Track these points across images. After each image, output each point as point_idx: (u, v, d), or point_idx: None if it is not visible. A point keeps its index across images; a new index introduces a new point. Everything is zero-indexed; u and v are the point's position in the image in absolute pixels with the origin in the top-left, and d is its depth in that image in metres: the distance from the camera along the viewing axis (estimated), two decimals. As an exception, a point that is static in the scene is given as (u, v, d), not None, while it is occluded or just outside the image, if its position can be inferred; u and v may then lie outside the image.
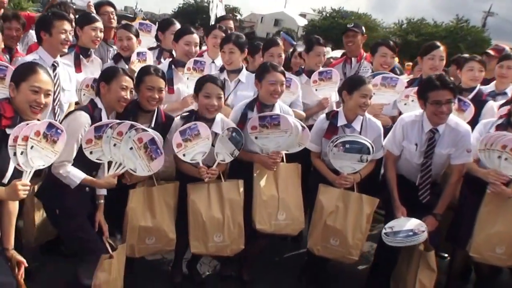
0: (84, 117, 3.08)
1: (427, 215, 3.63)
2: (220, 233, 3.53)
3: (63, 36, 3.58)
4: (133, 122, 3.16)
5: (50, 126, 2.66)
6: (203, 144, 3.43)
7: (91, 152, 3.06)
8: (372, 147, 3.66)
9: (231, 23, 5.49)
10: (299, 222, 3.79)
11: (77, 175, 3.04)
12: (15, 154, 2.49)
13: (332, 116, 3.85)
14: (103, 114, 3.20)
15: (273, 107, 3.78)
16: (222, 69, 4.26)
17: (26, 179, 2.55)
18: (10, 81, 2.74)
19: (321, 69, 4.52)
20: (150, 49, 4.73)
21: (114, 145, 3.10)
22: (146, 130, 3.19)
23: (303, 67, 4.78)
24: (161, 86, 3.39)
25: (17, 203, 2.80)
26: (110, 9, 5.09)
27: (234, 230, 3.57)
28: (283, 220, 3.71)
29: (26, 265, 2.68)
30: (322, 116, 3.95)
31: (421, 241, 3.48)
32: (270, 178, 3.72)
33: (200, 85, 3.51)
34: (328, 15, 43.49)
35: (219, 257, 4.03)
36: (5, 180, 2.62)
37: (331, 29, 36.35)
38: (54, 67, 3.61)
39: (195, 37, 4.19)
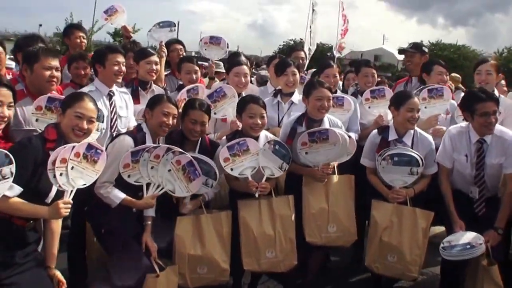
0: (127, 141, 3.31)
1: (487, 229, 3.50)
2: (272, 249, 3.56)
3: (116, 67, 3.79)
4: (170, 146, 3.34)
5: (90, 147, 2.83)
6: (252, 159, 3.54)
7: (129, 176, 3.24)
8: (421, 159, 3.64)
9: (302, 54, 5.75)
10: (351, 234, 3.80)
11: (117, 195, 3.22)
12: (54, 176, 2.63)
13: (383, 131, 3.88)
14: (147, 138, 3.40)
15: (321, 122, 3.86)
16: (276, 94, 4.45)
17: (67, 197, 2.70)
18: (59, 107, 3.02)
19: (373, 87, 4.60)
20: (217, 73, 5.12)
21: (152, 167, 3.26)
22: (184, 153, 3.35)
23: (358, 88, 4.87)
24: (204, 120, 3.55)
25: (60, 222, 2.94)
26: (179, 46, 5.57)
27: (286, 246, 3.59)
28: (334, 232, 3.73)
29: (65, 286, 2.85)
30: (374, 131, 4.00)
31: (478, 254, 3.35)
32: (320, 190, 3.77)
33: (243, 106, 3.68)
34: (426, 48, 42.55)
35: (275, 275, 3.98)
36: (48, 200, 2.77)
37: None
38: (110, 96, 3.85)
39: (244, 68, 4.45)
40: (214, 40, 5.21)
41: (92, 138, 3.25)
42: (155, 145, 3.32)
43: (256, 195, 3.54)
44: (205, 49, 5.17)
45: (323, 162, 3.71)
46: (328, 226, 3.73)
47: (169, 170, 3.31)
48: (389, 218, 3.69)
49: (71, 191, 2.72)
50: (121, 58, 3.86)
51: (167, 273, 3.22)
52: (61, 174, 2.66)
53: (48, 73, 3.35)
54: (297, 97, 4.39)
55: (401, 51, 5.62)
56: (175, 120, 3.50)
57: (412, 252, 3.62)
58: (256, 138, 3.68)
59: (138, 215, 3.38)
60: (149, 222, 3.39)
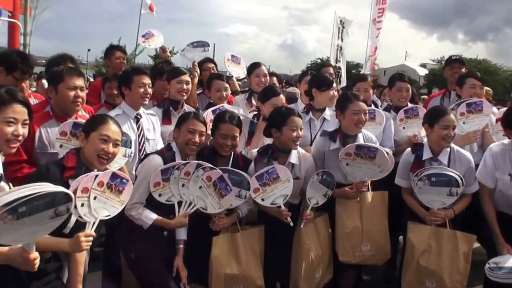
0: (156, 160, 3.21)
1: None
2: (320, 269, 3.58)
3: (142, 89, 3.72)
4: (200, 162, 3.23)
5: (114, 176, 2.69)
6: (283, 187, 3.39)
7: (160, 195, 3.15)
8: (461, 179, 3.45)
9: (331, 69, 5.69)
10: (385, 252, 3.70)
11: (148, 216, 3.14)
12: (75, 207, 2.47)
13: (417, 149, 3.71)
14: (177, 157, 3.30)
15: (356, 137, 3.74)
16: (308, 111, 4.34)
17: (89, 229, 2.56)
18: (81, 131, 2.83)
19: (406, 107, 4.44)
20: (242, 92, 5.09)
21: (183, 185, 3.17)
22: (214, 168, 3.23)
23: (391, 104, 4.72)
24: (235, 134, 3.44)
25: (84, 252, 2.76)
26: (211, 65, 5.57)
27: (328, 262, 3.66)
28: (368, 251, 3.63)
29: None
30: (408, 149, 3.84)
31: None
32: (354, 208, 3.66)
33: (283, 118, 3.51)
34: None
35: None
36: (67, 231, 2.61)
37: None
38: (137, 119, 3.79)
39: (281, 98, 4.26)
40: (235, 59, 5.36)
41: (119, 165, 3.21)
42: (185, 161, 3.22)
43: (302, 225, 3.45)
44: (228, 66, 5.26)
45: (361, 179, 3.59)
46: (362, 245, 3.61)
47: (200, 187, 3.21)
48: (427, 242, 3.51)
49: (94, 222, 2.58)
50: (146, 80, 3.79)
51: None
52: (82, 205, 2.53)
53: (72, 93, 3.23)
54: (328, 112, 4.28)
55: (449, 62, 5.35)
56: (203, 138, 3.39)
57: (452, 278, 3.42)
58: (289, 151, 3.56)
59: (168, 239, 3.29)
60: (181, 246, 3.33)
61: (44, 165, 2.76)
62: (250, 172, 3.55)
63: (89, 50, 33.87)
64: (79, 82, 3.28)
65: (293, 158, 3.57)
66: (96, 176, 2.59)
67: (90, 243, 2.53)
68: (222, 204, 3.27)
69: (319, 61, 52.90)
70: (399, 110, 4.43)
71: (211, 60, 5.66)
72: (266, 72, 4.62)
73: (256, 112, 4.36)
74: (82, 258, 2.81)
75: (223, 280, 3.31)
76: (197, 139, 3.32)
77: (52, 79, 3.29)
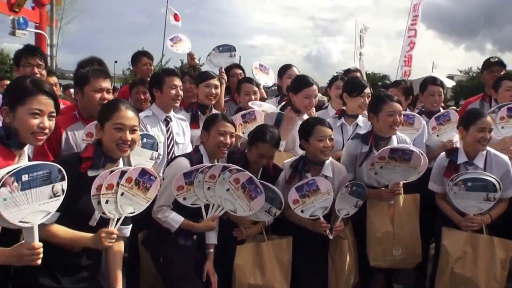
0: (183, 163, 3.17)
1: None
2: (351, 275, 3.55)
3: (173, 91, 3.68)
4: (225, 164, 3.17)
5: (143, 172, 2.60)
6: (323, 199, 3.32)
7: (184, 198, 3.09)
8: (499, 183, 3.34)
9: (358, 74, 5.68)
10: (416, 255, 3.64)
11: (175, 219, 3.10)
12: (99, 203, 2.43)
13: (451, 154, 3.62)
14: (205, 159, 3.25)
15: (389, 139, 3.66)
16: (340, 116, 4.28)
17: (112, 227, 2.50)
18: (97, 123, 2.70)
19: (438, 113, 4.32)
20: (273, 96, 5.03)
21: (208, 188, 3.11)
22: (242, 170, 3.16)
23: (423, 108, 4.64)
24: (273, 155, 3.41)
25: (121, 242, 2.73)
26: (239, 71, 5.53)
27: (356, 267, 3.60)
28: (398, 255, 3.57)
29: None
30: (442, 154, 3.75)
31: None
32: (385, 212, 3.59)
33: (309, 129, 3.44)
34: (475, 75, 42.94)
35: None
36: (93, 223, 2.55)
37: (480, 88, 35.05)
38: (167, 121, 3.75)
39: (314, 88, 4.21)
40: (263, 69, 5.27)
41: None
42: (208, 164, 3.15)
43: (331, 237, 3.37)
44: (255, 74, 5.15)
45: (395, 181, 3.51)
46: (393, 249, 3.55)
47: (228, 190, 3.14)
48: (462, 248, 3.40)
49: (118, 219, 2.52)
50: (178, 82, 3.74)
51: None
52: (107, 202, 2.46)
53: (98, 95, 3.15)
54: (361, 118, 4.21)
55: (487, 64, 5.05)
56: (233, 139, 3.36)
57: (489, 285, 3.32)
58: (322, 164, 3.49)
59: (198, 243, 3.25)
60: (212, 250, 3.29)
61: (62, 157, 2.71)
62: (280, 182, 3.51)
63: (115, 62, 34.17)
64: (106, 84, 3.20)
65: (327, 170, 3.49)
66: (123, 172, 2.52)
67: (113, 240, 2.47)
68: (253, 207, 3.20)
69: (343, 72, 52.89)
70: (431, 115, 4.32)
71: (239, 66, 5.62)
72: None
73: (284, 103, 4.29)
74: (121, 249, 2.73)
75: None
76: (228, 141, 3.28)
77: (79, 81, 3.23)
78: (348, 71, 6.16)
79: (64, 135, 3.12)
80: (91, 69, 3.27)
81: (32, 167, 1.96)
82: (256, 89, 4.64)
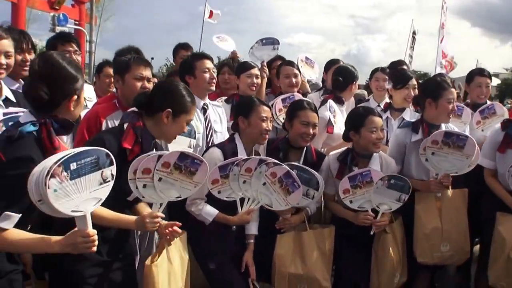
0: (216, 153, 3.07)
1: None
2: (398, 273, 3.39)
3: (207, 74, 3.52)
4: (262, 157, 3.08)
5: (183, 156, 2.51)
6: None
7: (219, 192, 2.98)
8: None
9: (405, 67, 5.44)
10: (464, 252, 3.48)
11: (209, 212, 3.02)
12: (136, 187, 2.42)
13: (507, 126, 3.36)
14: (240, 149, 3.15)
15: (439, 128, 3.44)
16: (386, 109, 4.12)
17: (156, 210, 2.49)
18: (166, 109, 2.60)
19: (482, 106, 4.11)
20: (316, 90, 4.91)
21: (244, 182, 2.99)
22: (279, 164, 3.04)
23: (468, 101, 4.44)
24: (315, 121, 3.27)
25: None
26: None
27: (404, 265, 3.44)
28: (447, 251, 3.40)
29: None
30: (497, 126, 3.50)
31: None
32: (433, 207, 3.40)
33: (361, 119, 3.28)
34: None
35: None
36: (131, 198, 2.55)
37: None
38: (204, 109, 3.62)
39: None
40: (309, 62, 5.14)
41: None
42: (244, 157, 3.03)
43: (372, 232, 3.24)
44: (301, 67, 4.98)
45: (446, 170, 3.31)
46: (441, 245, 3.38)
47: (264, 184, 3.02)
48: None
49: (159, 204, 2.50)
50: (210, 64, 3.58)
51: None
52: (144, 186, 2.43)
53: (139, 83, 3.07)
54: (409, 113, 4.02)
55: None
56: (271, 124, 3.23)
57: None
58: (370, 156, 3.34)
59: (237, 233, 3.18)
60: (252, 241, 3.20)
61: (102, 133, 2.63)
62: (323, 169, 3.37)
63: (152, 58, 34.62)
64: (146, 72, 3.13)
65: (375, 163, 3.33)
66: (160, 156, 2.45)
67: (157, 224, 2.43)
68: (289, 201, 3.08)
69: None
70: (477, 108, 4.11)
71: (281, 58, 5.36)
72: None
73: None
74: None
75: (287, 279, 3.19)
76: (270, 127, 3.16)
77: (119, 69, 3.16)
78: (396, 63, 5.91)
79: (104, 125, 3.07)
80: (132, 57, 3.21)
81: (80, 154, 1.87)
82: (297, 72, 4.44)
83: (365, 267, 3.37)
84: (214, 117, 3.71)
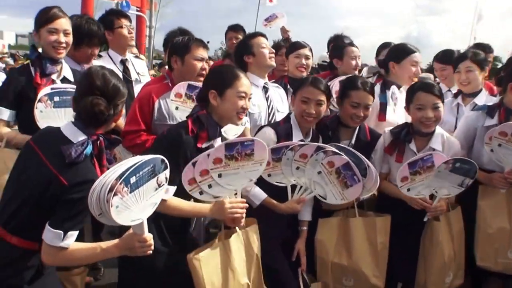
0: (268, 134, 2.92)
1: None
2: (450, 272, 3.04)
3: (265, 50, 3.44)
4: (320, 144, 2.84)
5: (229, 146, 2.40)
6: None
7: (269, 175, 2.80)
8: None
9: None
10: None
11: (258, 196, 2.83)
12: (201, 193, 2.40)
13: None
14: (294, 129, 2.98)
15: None
16: (457, 95, 3.81)
17: (233, 197, 2.49)
18: (211, 89, 2.54)
19: None
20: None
21: (297, 168, 2.79)
22: (338, 153, 2.78)
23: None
24: (368, 102, 3.02)
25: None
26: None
27: (459, 264, 3.11)
28: None
29: None
30: None
31: None
32: (502, 205, 3.05)
33: (411, 95, 3.04)
34: None
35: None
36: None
37: None
38: (265, 89, 3.53)
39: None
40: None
41: (236, 133, 2.99)
42: (300, 142, 2.82)
43: (425, 219, 2.96)
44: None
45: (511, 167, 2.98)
46: (508, 251, 3.02)
47: (319, 172, 2.79)
48: None
49: (234, 191, 2.50)
50: (266, 41, 3.52)
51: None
52: (210, 186, 2.40)
53: (200, 64, 3.08)
54: (483, 97, 3.66)
55: None
56: (321, 108, 2.99)
57: None
58: (431, 134, 3.05)
59: (289, 219, 2.98)
60: (305, 228, 3.01)
61: (175, 133, 2.48)
62: (377, 149, 3.13)
63: (208, 42, 34.92)
64: (205, 54, 3.15)
65: (436, 143, 3.03)
66: (208, 155, 2.38)
67: (238, 210, 2.45)
68: (346, 196, 2.84)
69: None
70: None
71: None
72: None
73: None
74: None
75: (329, 268, 2.98)
76: (312, 110, 2.91)
77: (178, 50, 3.13)
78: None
79: (156, 104, 3.08)
80: (192, 38, 3.22)
81: (139, 168, 1.85)
82: (359, 54, 4.25)
83: (412, 258, 3.09)
84: (276, 98, 3.61)
